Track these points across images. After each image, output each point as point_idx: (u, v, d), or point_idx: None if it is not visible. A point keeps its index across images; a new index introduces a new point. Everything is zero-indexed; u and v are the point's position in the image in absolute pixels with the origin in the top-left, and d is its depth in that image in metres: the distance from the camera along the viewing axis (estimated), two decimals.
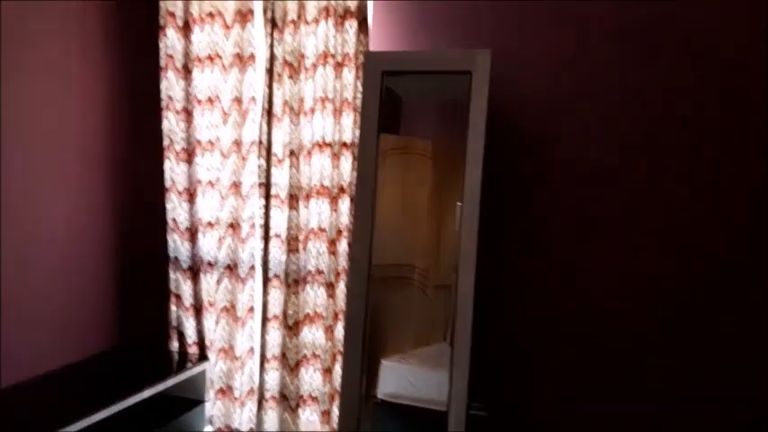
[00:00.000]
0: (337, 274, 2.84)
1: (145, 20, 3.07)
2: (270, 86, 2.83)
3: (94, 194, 3.00)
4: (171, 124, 2.99)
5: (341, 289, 2.84)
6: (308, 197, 2.84)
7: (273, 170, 2.86)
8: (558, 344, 2.65)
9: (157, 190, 3.10)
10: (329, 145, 2.78)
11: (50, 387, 2.69)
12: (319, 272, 2.85)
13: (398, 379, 2.87)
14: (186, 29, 2.93)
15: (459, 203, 2.42)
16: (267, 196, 2.88)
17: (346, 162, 2.78)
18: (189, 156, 2.99)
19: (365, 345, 2.54)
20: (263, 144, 2.87)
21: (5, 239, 2.55)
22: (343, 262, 2.83)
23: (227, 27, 2.89)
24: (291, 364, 2.88)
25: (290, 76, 2.80)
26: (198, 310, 3.06)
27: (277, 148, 2.85)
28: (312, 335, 2.87)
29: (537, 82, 2.62)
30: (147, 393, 2.70)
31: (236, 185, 2.95)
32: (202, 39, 2.92)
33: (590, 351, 2.61)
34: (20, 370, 2.66)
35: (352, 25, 2.70)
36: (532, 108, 2.63)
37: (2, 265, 2.54)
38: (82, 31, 2.86)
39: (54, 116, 2.75)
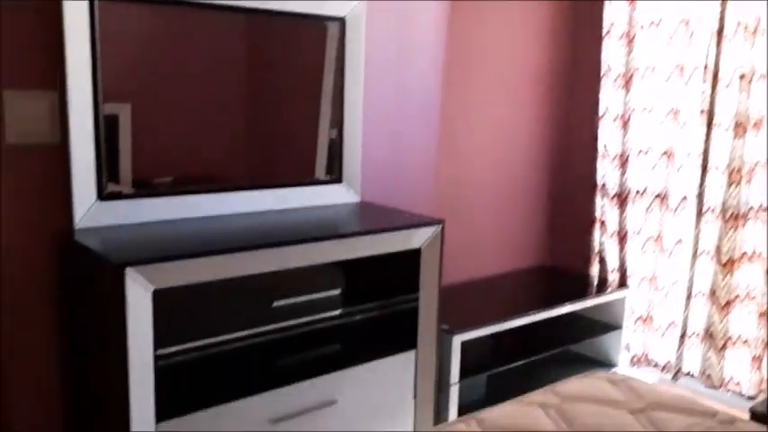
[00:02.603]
0: None
1: None
2: (723, 4, 2.61)
3: (539, 120, 3.20)
4: (610, 50, 3.00)
5: None
6: (757, 126, 2.59)
7: (719, 96, 2.67)
8: None
9: (590, 117, 3.16)
10: None
11: (490, 289, 3.04)
12: (764, 209, 2.60)
13: None
14: None
15: None
16: (709, 124, 2.71)
17: None
18: (626, 82, 2.97)
19: None
20: (708, 68, 2.69)
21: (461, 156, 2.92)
22: None
23: None
24: (721, 302, 2.72)
25: None
26: (622, 237, 3.08)
27: (725, 72, 2.65)
28: (748, 275, 2.66)
29: None
30: (565, 309, 2.85)
31: (675, 112, 2.84)
32: None
33: None
34: (467, 271, 3.05)
35: None
36: None
37: (458, 178, 2.92)
38: None
39: (509, 46, 2.99)
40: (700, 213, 2.77)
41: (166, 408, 1.68)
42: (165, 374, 1.67)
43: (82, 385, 1.87)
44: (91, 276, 1.74)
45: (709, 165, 2.73)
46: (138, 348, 1.61)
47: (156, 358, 1.65)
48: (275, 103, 2.25)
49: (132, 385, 1.60)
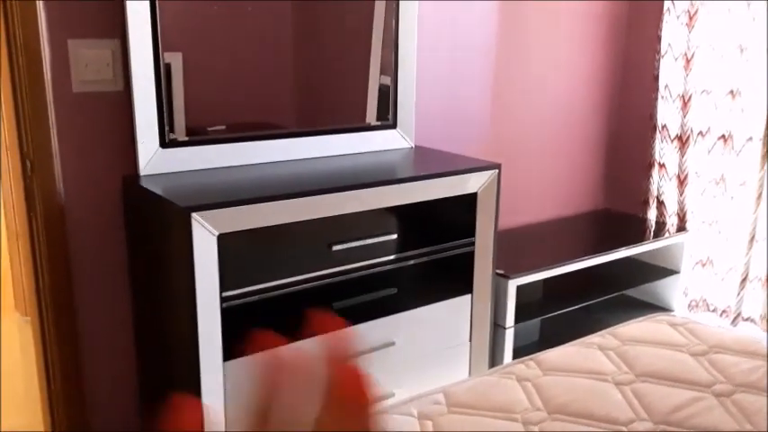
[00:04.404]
0: None
1: None
2: None
3: (596, 60, 3.10)
4: None
5: None
6: None
7: None
8: None
9: (651, 55, 3.05)
10: None
11: (546, 233, 3.02)
12: None
13: None
14: None
15: None
16: None
17: None
18: (690, 18, 2.85)
19: None
20: None
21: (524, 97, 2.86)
22: None
23: None
24: None
25: None
26: (682, 180, 3.00)
27: None
28: None
29: None
30: (622, 254, 2.81)
31: (741, 49, 2.72)
32: None
33: None
34: (522, 215, 3.03)
35: None
36: None
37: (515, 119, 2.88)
38: None
39: None
40: (766, 154, 2.68)
41: (232, 347, 1.75)
42: (231, 316, 1.73)
43: (151, 324, 1.96)
44: (157, 222, 1.80)
45: None
46: (205, 291, 1.66)
47: (222, 300, 1.70)
48: (326, 50, 2.24)
49: (201, 326, 1.67)
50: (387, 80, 2.35)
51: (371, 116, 2.35)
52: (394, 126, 2.38)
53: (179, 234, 1.64)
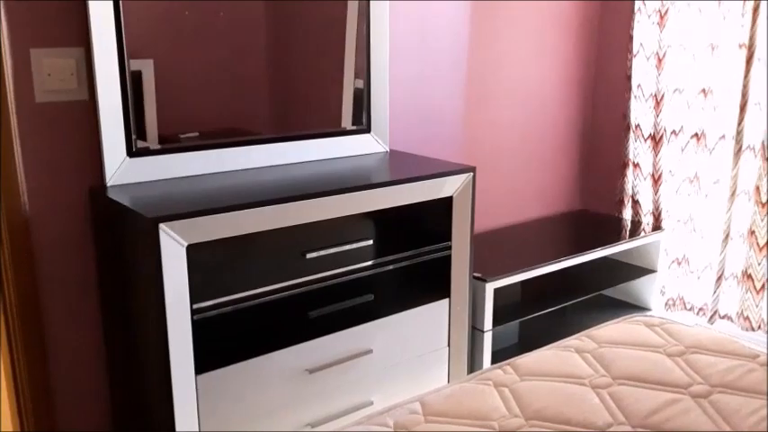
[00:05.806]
0: None
1: None
2: None
3: (568, 61, 3.10)
4: None
5: None
6: None
7: (759, 29, 2.56)
8: None
9: (623, 54, 3.06)
10: None
11: (522, 235, 3.01)
12: None
13: None
14: None
15: None
16: (749, 59, 2.61)
17: None
18: (661, 17, 2.86)
19: None
20: None
21: (493, 100, 2.86)
22: None
23: None
24: (761, 243, 2.66)
25: None
26: (657, 179, 3.01)
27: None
28: None
29: None
30: (599, 254, 2.81)
31: (712, 47, 2.73)
32: None
33: None
34: (497, 218, 3.02)
35: None
36: None
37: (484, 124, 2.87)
38: None
39: None
40: (738, 152, 2.69)
41: (205, 360, 1.71)
42: (203, 328, 1.69)
43: (121, 337, 1.91)
44: (125, 233, 1.76)
45: (748, 102, 2.63)
46: (175, 303, 1.63)
47: (193, 312, 1.67)
48: (299, 55, 2.21)
49: (171, 339, 1.63)
50: (361, 84, 2.33)
51: (347, 121, 2.33)
52: (368, 130, 2.36)
53: (147, 245, 1.60)
